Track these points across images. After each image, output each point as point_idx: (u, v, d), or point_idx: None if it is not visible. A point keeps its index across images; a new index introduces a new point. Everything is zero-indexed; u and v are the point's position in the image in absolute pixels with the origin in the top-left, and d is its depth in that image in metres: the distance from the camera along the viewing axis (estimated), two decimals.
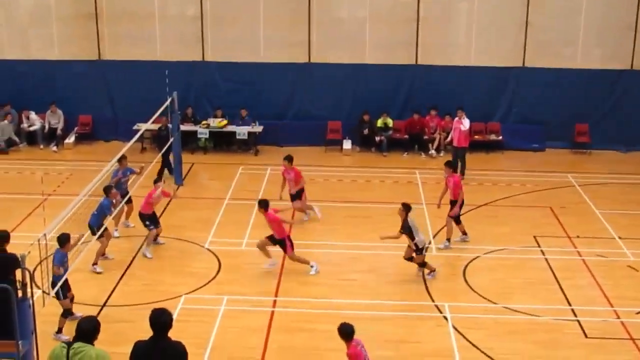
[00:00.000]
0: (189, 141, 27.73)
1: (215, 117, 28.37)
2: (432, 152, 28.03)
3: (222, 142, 28.63)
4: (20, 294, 13.01)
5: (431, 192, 23.76)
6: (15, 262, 13.17)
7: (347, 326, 13.19)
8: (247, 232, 21.02)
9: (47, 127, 29.03)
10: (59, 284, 15.28)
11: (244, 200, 23.36)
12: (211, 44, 28.91)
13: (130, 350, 9.75)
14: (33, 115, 29.17)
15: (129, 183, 21.05)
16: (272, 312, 16.99)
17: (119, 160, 20.34)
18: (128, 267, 19.14)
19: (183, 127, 26.28)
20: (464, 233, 20.46)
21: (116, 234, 20.41)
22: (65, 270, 15.56)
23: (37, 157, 27.73)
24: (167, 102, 24.01)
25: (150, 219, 19.76)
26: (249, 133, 28.05)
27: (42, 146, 28.84)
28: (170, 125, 24.79)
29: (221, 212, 22.48)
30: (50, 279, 15.45)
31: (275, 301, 17.49)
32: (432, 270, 18.51)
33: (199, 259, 19.70)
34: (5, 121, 28.51)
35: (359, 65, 28.45)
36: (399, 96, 28.84)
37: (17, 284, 13.06)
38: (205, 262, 19.36)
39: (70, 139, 29.07)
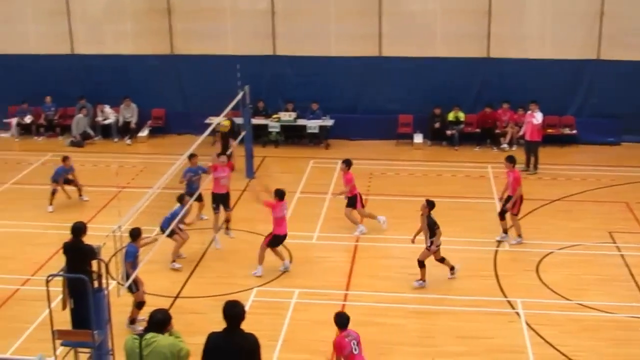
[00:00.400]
0: (260, 135, 27.86)
1: (287, 110, 28.44)
2: (504, 145, 27.71)
3: (293, 135, 28.70)
4: (95, 284, 13.24)
5: (503, 186, 23.48)
6: (91, 253, 13.38)
7: (343, 315, 13.21)
8: (317, 225, 21.06)
9: (121, 120, 29.43)
10: (132, 277, 15.47)
11: (315, 193, 23.41)
12: (282, 37, 28.97)
13: (202, 341, 9.84)
14: (107, 109, 29.60)
15: (200, 182, 20.99)
16: (343, 306, 16.99)
17: (189, 158, 20.45)
18: (200, 259, 19.33)
19: (254, 121, 26.40)
20: (505, 232, 20.10)
21: (218, 245, 20.10)
22: (136, 264, 15.74)
23: (112, 150, 28.15)
24: (239, 96, 24.16)
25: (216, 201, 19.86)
26: (320, 127, 28.06)
27: (116, 139, 29.27)
28: (234, 119, 24.94)
29: (292, 206, 22.53)
30: (124, 270, 15.65)
31: (346, 295, 17.49)
32: (423, 280, 17.80)
33: (270, 252, 19.74)
34: (81, 115, 29.00)
35: (430, 58, 28.21)
36: (470, 89, 28.56)
37: (93, 274, 13.28)
38: (276, 255, 19.42)
39: (144, 133, 29.44)
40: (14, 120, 29.95)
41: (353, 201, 20.81)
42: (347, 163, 20.83)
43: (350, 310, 16.69)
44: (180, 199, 18.79)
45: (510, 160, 20.10)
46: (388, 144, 28.28)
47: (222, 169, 19.79)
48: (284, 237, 18.55)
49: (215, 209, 19.90)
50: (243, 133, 24.68)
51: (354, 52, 28.55)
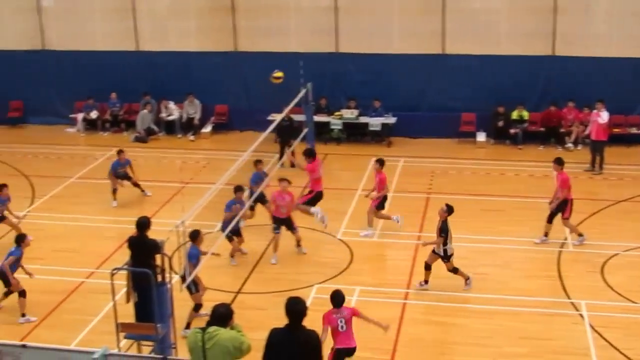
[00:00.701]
0: (322, 132, 27.89)
1: (349, 108, 28.42)
2: (569, 145, 27.35)
3: (355, 133, 28.67)
4: (159, 278, 13.39)
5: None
6: (155, 247, 13.54)
7: (338, 294, 13.56)
8: (379, 223, 21.00)
9: (184, 116, 29.70)
10: (190, 278, 15.49)
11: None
12: (345, 34, 28.95)
13: (263, 337, 9.89)
14: (172, 105, 29.90)
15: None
16: (404, 304, 16.95)
17: (255, 163, 20.38)
18: (262, 255, 19.41)
19: (317, 118, 26.44)
20: (546, 234, 19.80)
21: (274, 261, 19.35)
22: (195, 266, 15.78)
23: (175, 146, 28.43)
24: (301, 93, 24.22)
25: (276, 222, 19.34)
26: (382, 124, 28.00)
27: (179, 135, 29.55)
28: (293, 117, 25.02)
29: (353, 203, 22.52)
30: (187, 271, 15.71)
31: (407, 293, 17.44)
32: (467, 278, 17.54)
33: (331, 249, 19.81)
34: (145, 110, 29.34)
35: (494, 56, 27.93)
36: (535, 88, 28.21)
37: (157, 269, 13.44)
38: (337, 253, 19.46)
39: (207, 129, 29.68)
40: (80, 116, 30.43)
41: (382, 202, 20.67)
42: (381, 162, 20.63)
43: (411, 309, 16.73)
44: (237, 189, 18.81)
45: (559, 162, 19.76)
46: (450, 142, 28.11)
47: (281, 196, 19.03)
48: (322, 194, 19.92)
49: (276, 229, 19.21)
50: (305, 130, 24.74)
51: (417, 50, 28.41)
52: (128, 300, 14.24)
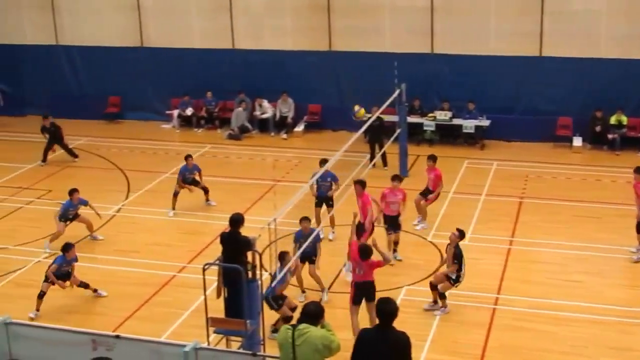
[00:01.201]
0: (415, 133, 27.75)
1: (442, 109, 28.22)
2: None
3: (448, 135, 28.45)
4: (250, 275, 13.50)
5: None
6: (247, 244, 13.66)
7: (366, 247, 15.15)
8: (470, 226, 20.81)
9: (277, 115, 29.90)
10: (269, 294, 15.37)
11: (468, 194, 23.19)
12: (440, 35, 28.74)
13: (351, 337, 9.93)
14: (265, 103, 30.11)
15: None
16: (494, 309, 16.77)
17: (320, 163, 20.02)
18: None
19: (409, 119, 26.33)
20: None
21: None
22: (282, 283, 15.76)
23: (268, 144, 28.64)
24: (395, 94, 24.15)
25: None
26: (476, 126, 27.73)
27: (272, 133, 29.75)
28: (383, 117, 24.96)
29: (445, 206, 22.37)
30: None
31: (496, 298, 17.25)
32: (446, 307, 16.69)
33: (421, 251, 19.72)
34: (240, 108, 29.63)
35: (593, 59, 27.35)
36: (634, 92, 27.52)
37: (248, 265, 13.55)
38: (427, 255, 19.35)
39: (300, 127, 29.83)
40: (175, 112, 30.90)
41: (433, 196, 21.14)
42: (434, 159, 21.12)
43: (501, 314, 16.54)
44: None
45: (638, 171, 19.20)
46: (545, 147, 27.64)
47: (393, 193, 19.08)
48: None
49: (388, 230, 19.17)
50: (398, 131, 24.67)
51: (513, 51, 28.01)
52: (219, 296, 14.39)
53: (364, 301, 15.29)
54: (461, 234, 16.71)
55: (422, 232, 20.52)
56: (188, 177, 22.51)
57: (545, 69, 27.83)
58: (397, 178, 19.43)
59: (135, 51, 31.62)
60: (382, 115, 24.64)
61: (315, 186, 20.15)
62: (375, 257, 15.29)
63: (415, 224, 20.97)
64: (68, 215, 20.39)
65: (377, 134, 25.19)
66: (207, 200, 22.77)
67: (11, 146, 28.98)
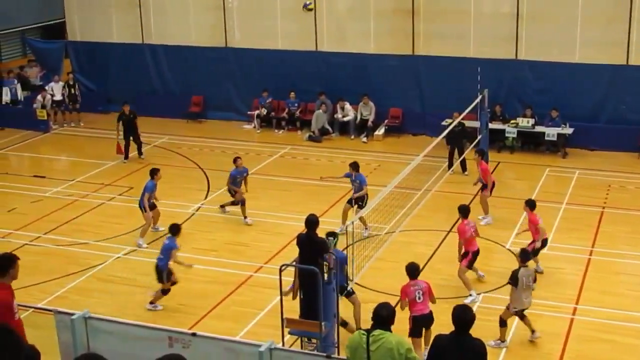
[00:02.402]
0: (496, 139, 27.49)
1: (525, 116, 27.90)
2: None
3: (529, 142, 28.12)
4: (326, 277, 13.55)
5: None
6: (323, 246, 13.70)
7: (413, 265, 14.89)
8: (550, 235, 20.53)
9: (358, 118, 29.91)
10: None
11: (549, 202, 22.86)
12: (525, 41, 28.42)
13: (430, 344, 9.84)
14: (347, 105, 30.12)
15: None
16: (572, 320, 16.55)
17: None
18: (428, 260, 19.32)
19: (491, 125, 26.10)
20: None
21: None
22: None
23: (348, 147, 28.64)
24: (477, 99, 23.97)
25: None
26: (558, 134, 27.35)
27: (352, 136, 29.75)
28: (465, 123, 24.81)
29: (524, 213, 22.07)
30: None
31: (575, 308, 17.01)
32: (503, 341, 15.68)
33: (499, 258, 19.55)
34: (320, 110, 29.70)
35: None
36: None
37: (324, 267, 13.59)
38: (505, 262, 19.12)
39: (380, 131, 29.78)
40: (255, 113, 31.10)
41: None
42: (481, 153, 21.77)
43: (579, 325, 16.30)
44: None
45: None
46: (630, 156, 27.08)
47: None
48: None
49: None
50: (479, 137, 24.49)
51: (599, 59, 27.55)
52: (295, 297, 14.47)
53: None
54: (523, 255, 15.87)
55: (500, 239, 20.28)
56: (239, 180, 22.09)
57: (631, 77, 27.32)
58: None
59: (219, 51, 31.96)
60: (463, 121, 24.50)
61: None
62: None
63: (480, 219, 21.07)
64: (152, 197, 20.65)
65: (458, 139, 25.03)
66: (245, 217, 21.93)
67: (94, 142, 29.55)
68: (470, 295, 17.20)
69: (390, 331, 9.89)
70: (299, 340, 14.38)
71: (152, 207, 20.73)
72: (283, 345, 13.44)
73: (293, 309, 14.29)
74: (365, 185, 20.56)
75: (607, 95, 27.82)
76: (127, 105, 27.07)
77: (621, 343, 15.59)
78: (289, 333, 14.13)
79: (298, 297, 14.40)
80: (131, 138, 26.98)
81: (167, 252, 17.11)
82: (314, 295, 13.46)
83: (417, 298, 14.60)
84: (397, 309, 12.03)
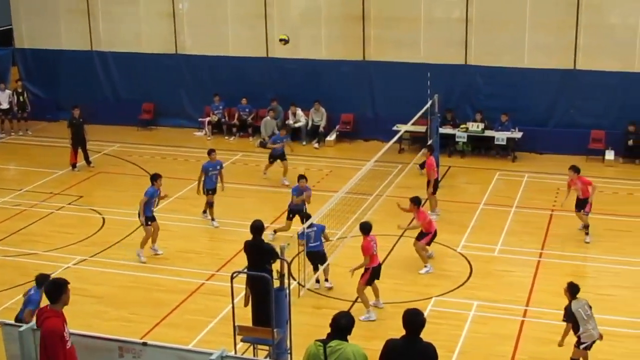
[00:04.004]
0: (447, 144, 27.68)
1: (475, 121, 28.13)
2: None
3: (480, 146, 28.38)
4: (277, 283, 13.51)
5: None
6: (270, 251, 13.67)
7: (368, 223, 16.64)
8: (500, 238, 20.75)
9: (310, 124, 29.91)
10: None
11: (499, 206, 23.10)
12: (475, 47, 28.66)
13: (378, 347, 9.83)
14: (299, 111, 30.12)
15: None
16: (523, 322, 16.68)
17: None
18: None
19: (442, 130, 26.27)
20: None
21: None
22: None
23: (300, 153, 28.59)
24: (428, 104, 24.12)
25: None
26: (508, 139, 27.61)
27: (304, 142, 29.76)
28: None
29: (475, 217, 22.30)
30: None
31: (525, 310, 17.15)
32: None
33: (450, 262, 19.65)
34: (268, 117, 29.65)
35: (628, 73, 27.17)
36: None
37: (276, 274, 13.56)
38: (456, 266, 19.29)
39: (332, 137, 29.82)
40: (207, 120, 30.98)
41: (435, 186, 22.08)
42: (430, 148, 22.15)
43: (530, 326, 16.45)
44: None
45: None
46: (578, 160, 27.26)
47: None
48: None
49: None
50: (430, 142, 24.63)
51: (548, 64, 27.88)
52: (246, 304, 14.42)
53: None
54: (571, 289, 14.59)
55: (452, 243, 20.40)
56: (212, 174, 21.88)
57: (580, 82, 27.69)
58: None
59: (170, 58, 31.80)
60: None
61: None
62: None
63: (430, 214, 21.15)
64: (153, 204, 20.01)
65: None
66: (213, 219, 21.99)
67: (43, 151, 29.23)
68: (368, 314, 16.71)
69: (347, 341, 9.83)
70: (251, 348, 14.33)
71: (152, 219, 20.07)
72: (235, 353, 13.37)
73: (246, 316, 14.25)
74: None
75: (556, 99, 28.15)
76: (77, 109, 26.74)
77: (572, 344, 15.71)
78: (242, 340, 14.06)
79: (250, 304, 14.36)
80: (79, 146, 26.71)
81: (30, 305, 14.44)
82: (265, 302, 13.41)
83: (374, 251, 16.45)
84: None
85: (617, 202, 23.49)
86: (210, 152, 22.15)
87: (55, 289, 10.35)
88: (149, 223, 19.74)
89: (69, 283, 10.42)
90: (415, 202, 18.75)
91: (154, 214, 20.06)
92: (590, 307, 14.44)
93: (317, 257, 17.69)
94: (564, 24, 27.53)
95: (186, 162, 27.85)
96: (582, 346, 14.43)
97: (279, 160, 25.05)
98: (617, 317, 16.72)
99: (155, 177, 20.02)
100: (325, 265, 17.67)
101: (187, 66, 31.64)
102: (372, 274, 16.49)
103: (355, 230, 19.23)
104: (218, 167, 22.06)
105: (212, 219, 21.87)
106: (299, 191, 19.98)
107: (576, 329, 14.37)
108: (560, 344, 14.42)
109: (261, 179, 25.41)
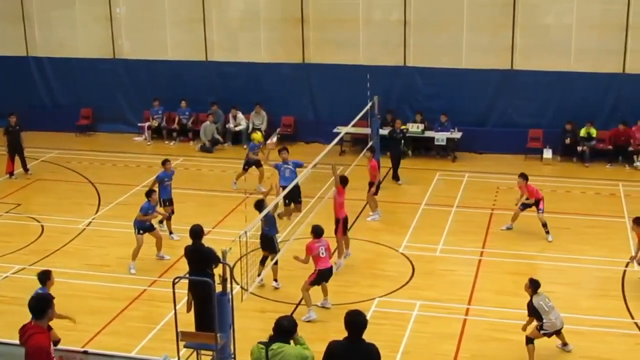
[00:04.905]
0: (388, 145, 27.74)
1: (415, 122, 28.30)
2: (638, 164, 26.91)
3: (420, 147, 28.57)
4: (219, 288, 13.43)
5: (635, 205, 22.87)
6: (210, 255, 13.59)
7: (319, 227, 16.98)
8: (442, 238, 20.90)
9: (250, 127, 29.82)
10: None
11: (441, 206, 23.27)
12: (413, 48, 28.88)
13: (322, 349, 9.85)
14: (240, 115, 30.05)
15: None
16: (465, 320, 16.81)
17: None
18: None
19: (382, 132, 26.37)
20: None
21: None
22: None
23: (241, 156, 28.36)
24: (368, 106, 24.20)
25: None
26: (448, 139, 27.84)
27: (245, 146, 29.60)
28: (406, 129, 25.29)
29: (417, 217, 22.44)
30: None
31: (468, 309, 17.29)
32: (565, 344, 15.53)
33: (393, 262, 19.74)
34: (208, 122, 29.52)
35: (564, 72, 27.59)
36: (604, 105, 27.77)
37: (217, 278, 13.49)
38: (399, 266, 19.38)
39: (273, 140, 29.73)
40: (147, 125, 30.75)
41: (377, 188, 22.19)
42: (371, 150, 22.50)
43: (473, 324, 16.58)
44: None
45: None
46: (517, 159, 27.79)
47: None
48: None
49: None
50: (370, 143, 24.72)
51: (486, 65, 28.20)
52: (189, 310, 14.33)
53: None
54: (532, 284, 15.09)
55: (394, 244, 20.51)
56: (167, 184, 21.57)
57: (517, 82, 28.08)
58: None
59: (108, 62, 31.52)
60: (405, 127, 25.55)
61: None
62: None
63: (371, 214, 21.92)
64: (148, 217, 19.55)
65: (397, 147, 25.66)
66: (171, 232, 21.37)
67: None
68: (309, 314, 16.71)
69: (289, 343, 9.85)
70: (194, 354, 14.23)
71: (150, 229, 19.74)
72: (179, 359, 13.26)
73: (189, 321, 14.15)
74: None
75: (494, 99, 28.48)
76: (13, 116, 26.33)
77: (516, 341, 15.85)
78: (185, 346, 13.95)
79: (193, 310, 14.27)
80: (16, 153, 26.29)
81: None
82: (208, 307, 13.33)
83: (321, 253, 16.64)
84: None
85: (555, 200, 23.76)
86: (165, 162, 21.78)
87: (40, 304, 10.15)
88: (141, 232, 19.42)
89: (54, 298, 10.26)
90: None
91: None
92: (550, 300, 15.07)
93: (266, 243, 17.75)
94: (501, 24, 27.89)
95: (126, 167, 27.62)
96: (542, 332, 14.99)
97: (254, 167, 24.81)
98: None
99: (149, 193, 19.75)
100: (272, 263, 17.65)
101: (126, 71, 31.39)
102: (318, 276, 16.61)
103: (297, 233, 19.24)
104: (172, 177, 21.79)
105: (170, 232, 21.35)
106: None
107: (539, 319, 14.95)
108: (524, 329, 15.22)
109: (202, 183, 25.31)
